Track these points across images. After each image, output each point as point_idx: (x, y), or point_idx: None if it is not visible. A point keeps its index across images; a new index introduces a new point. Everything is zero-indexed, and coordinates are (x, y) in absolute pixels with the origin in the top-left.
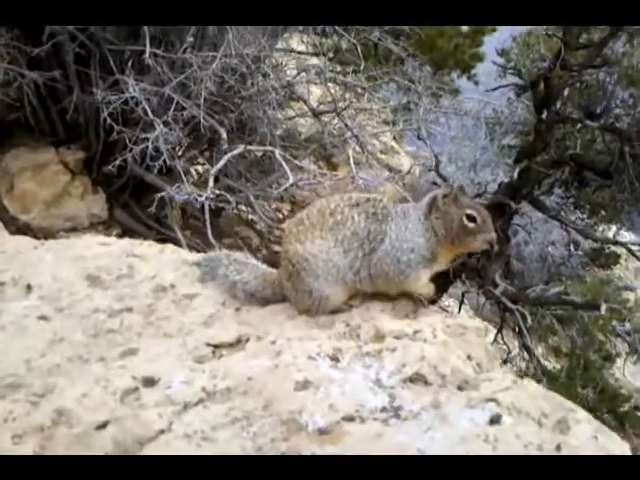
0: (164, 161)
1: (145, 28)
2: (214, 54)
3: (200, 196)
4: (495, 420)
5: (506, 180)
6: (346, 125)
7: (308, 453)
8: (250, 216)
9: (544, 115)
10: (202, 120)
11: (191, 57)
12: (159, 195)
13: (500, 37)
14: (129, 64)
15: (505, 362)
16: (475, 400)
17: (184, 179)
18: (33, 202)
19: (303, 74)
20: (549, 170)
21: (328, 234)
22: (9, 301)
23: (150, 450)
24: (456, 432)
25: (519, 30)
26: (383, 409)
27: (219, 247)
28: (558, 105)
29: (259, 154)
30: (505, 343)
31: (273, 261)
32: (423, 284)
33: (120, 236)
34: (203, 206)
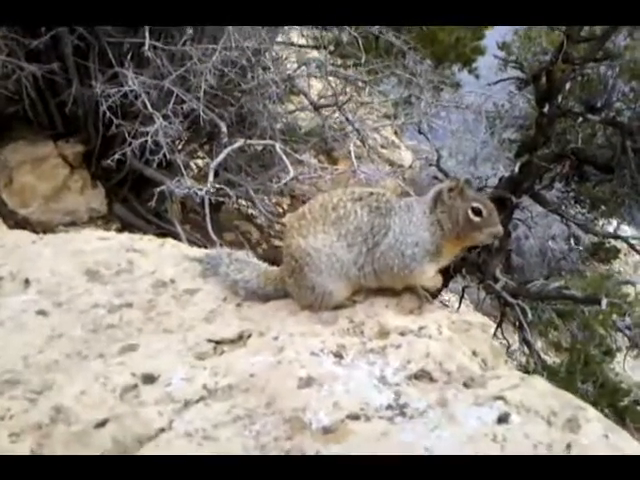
0: (164, 155)
1: None
2: (214, 47)
3: (200, 190)
4: (503, 419)
5: (507, 174)
6: (347, 119)
7: (312, 452)
8: (250, 210)
9: (545, 109)
10: (202, 113)
11: (191, 50)
12: (159, 189)
13: (501, 30)
14: (128, 57)
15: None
16: (482, 398)
17: (184, 173)
18: (32, 196)
19: (303, 67)
20: (550, 164)
21: (331, 228)
22: (7, 296)
23: (150, 449)
24: (464, 431)
25: None
26: (388, 407)
27: (220, 244)
28: (559, 99)
29: (259, 148)
30: (505, 337)
31: (273, 256)
32: (428, 277)
33: (119, 230)
34: (203, 200)
